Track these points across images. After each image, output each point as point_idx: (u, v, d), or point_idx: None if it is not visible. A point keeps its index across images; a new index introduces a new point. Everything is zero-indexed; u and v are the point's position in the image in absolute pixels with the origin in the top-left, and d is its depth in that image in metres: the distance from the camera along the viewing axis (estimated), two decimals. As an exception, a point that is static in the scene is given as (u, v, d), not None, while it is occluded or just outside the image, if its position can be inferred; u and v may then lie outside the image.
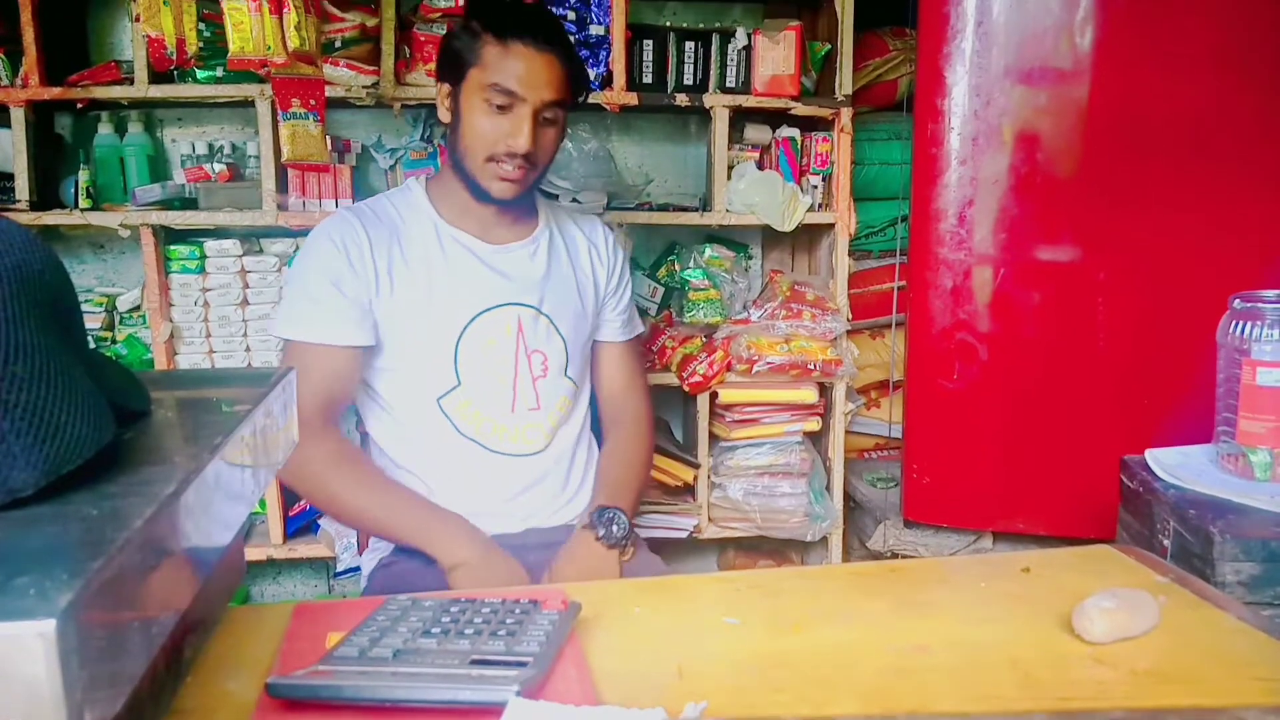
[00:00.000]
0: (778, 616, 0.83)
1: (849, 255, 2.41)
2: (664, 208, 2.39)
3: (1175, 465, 1.39)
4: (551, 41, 1.39)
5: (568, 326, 1.55)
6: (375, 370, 1.47)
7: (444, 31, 1.61)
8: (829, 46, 2.38)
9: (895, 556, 2.21)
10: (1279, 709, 0.40)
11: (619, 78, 2.28)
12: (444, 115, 1.47)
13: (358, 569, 2.20)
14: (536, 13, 1.45)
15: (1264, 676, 0.72)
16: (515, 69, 1.37)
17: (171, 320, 2.23)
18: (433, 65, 2.23)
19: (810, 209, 2.35)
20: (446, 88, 1.45)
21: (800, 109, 2.33)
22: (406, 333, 1.44)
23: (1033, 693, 0.69)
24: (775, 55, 2.28)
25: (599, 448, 1.63)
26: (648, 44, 2.32)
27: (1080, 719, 0.36)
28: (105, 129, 2.30)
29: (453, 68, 1.43)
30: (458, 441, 1.45)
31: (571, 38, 2.27)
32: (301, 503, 2.37)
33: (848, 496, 2.47)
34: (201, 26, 1.97)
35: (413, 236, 1.47)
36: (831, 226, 2.39)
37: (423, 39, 2.24)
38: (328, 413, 1.40)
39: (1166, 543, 1.29)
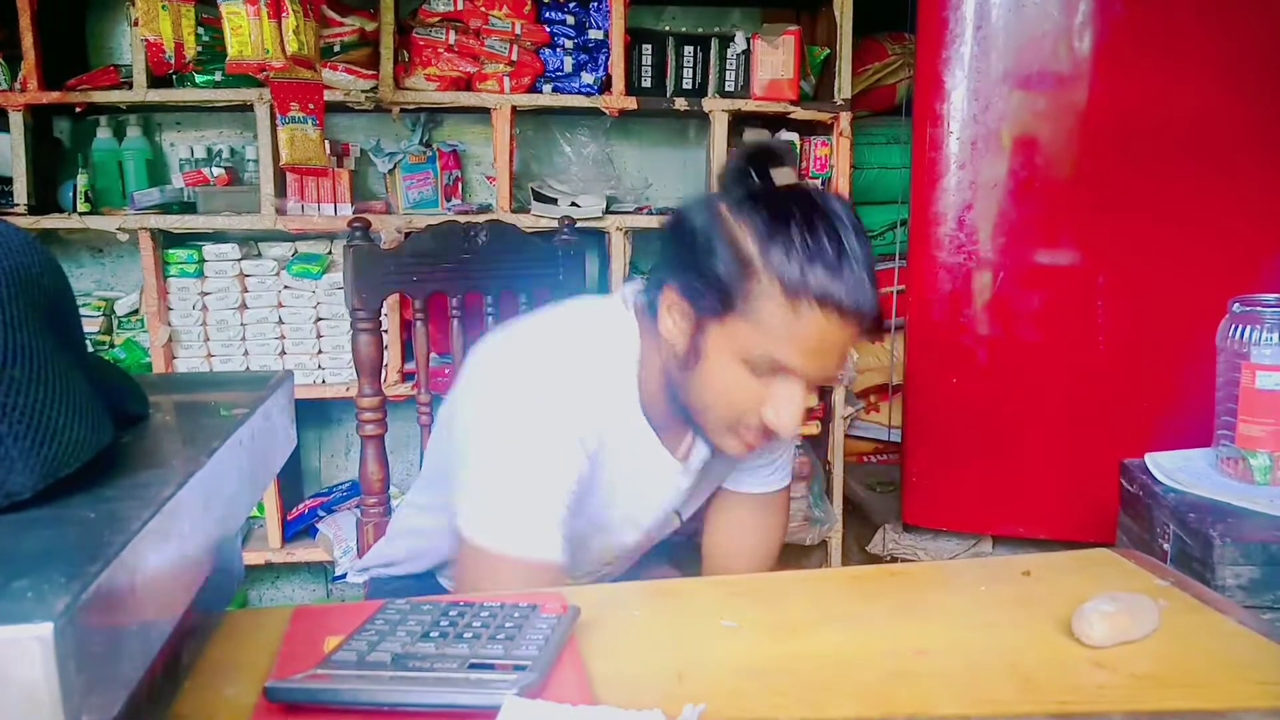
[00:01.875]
0: (777, 620, 0.83)
1: (848, 259, 2.40)
2: (663, 212, 2.39)
3: (1175, 469, 1.39)
4: (862, 299, 0.96)
5: (690, 513, 1.27)
6: None
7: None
8: (828, 51, 2.39)
9: (894, 560, 2.20)
10: (1279, 712, 0.40)
11: (618, 82, 2.28)
12: (669, 333, 1.04)
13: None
14: (850, 245, 0.97)
15: (1264, 680, 0.72)
16: (803, 342, 0.96)
17: (170, 324, 2.23)
18: (433, 69, 2.24)
19: (809, 213, 2.35)
20: (682, 304, 1.02)
21: (799, 113, 2.33)
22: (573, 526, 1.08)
23: (1032, 696, 0.69)
24: (774, 60, 2.29)
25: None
26: (647, 48, 2.33)
27: (1081, 723, 0.36)
28: (104, 133, 2.30)
29: (703, 294, 0.99)
30: None
31: (570, 42, 2.29)
32: (300, 506, 2.37)
33: (847, 500, 2.47)
34: (200, 31, 1.97)
35: (618, 446, 1.10)
36: (830, 230, 2.39)
37: (422, 43, 2.25)
38: None
39: (1166, 546, 1.29)
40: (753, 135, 2.41)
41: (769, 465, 1.29)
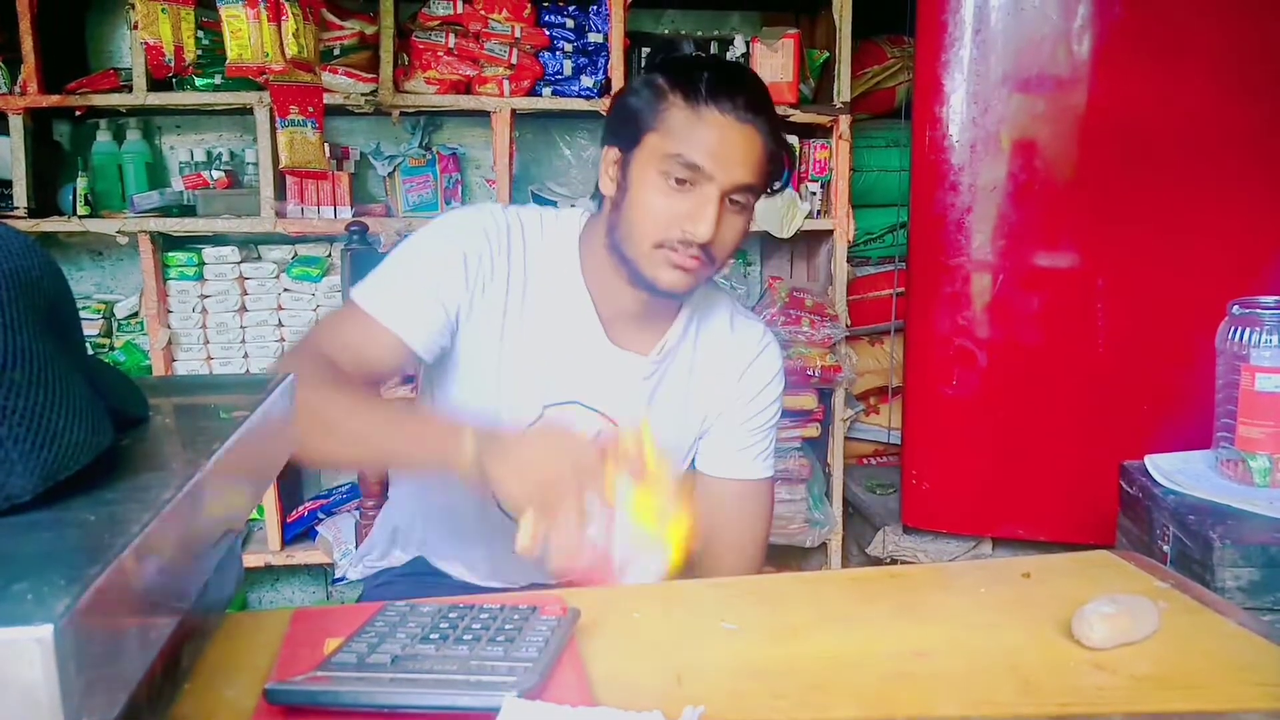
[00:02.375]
0: (777, 622, 0.83)
1: (847, 262, 2.41)
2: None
3: (1174, 471, 1.39)
4: (755, 110, 1.11)
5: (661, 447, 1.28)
6: (433, 395, 1.26)
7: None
8: (827, 54, 2.39)
9: (894, 562, 2.20)
10: (1279, 714, 0.40)
11: (617, 84, 2.29)
12: (606, 186, 1.18)
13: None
14: (739, 73, 1.17)
15: (1264, 681, 0.72)
16: (706, 139, 1.09)
17: (169, 327, 2.23)
18: (432, 73, 2.25)
19: (809, 216, 2.36)
20: (614, 153, 1.17)
21: (798, 116, 2.33)
22: (477, 379, 1.20)
23: (1032, 698, 0.69)
24: (773, 62, 2.29)
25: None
26: (646, 51, 2.33)
27: (1080, 724, 0.36)
28: (104, 136, 2.31)
29: (625, 130, 1.15)
30: (489, 504, 1.19)
31: (570, 45, 2.29)
32: (299, 509, 2.37)
33: (847, 502, 2.47)
34: (200, 34, 1.98)
35: (541, 283, 1.20)
36: (830, 233, 2.39)
37: (421, 46, 2.25)
38: (350, 373, 1.12)
39: (1166, 548, 1.29)
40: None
41: (752, 447, 1.29)
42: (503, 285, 1.18)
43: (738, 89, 1.11)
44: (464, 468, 0.99)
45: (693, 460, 1.31)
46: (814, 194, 2.40)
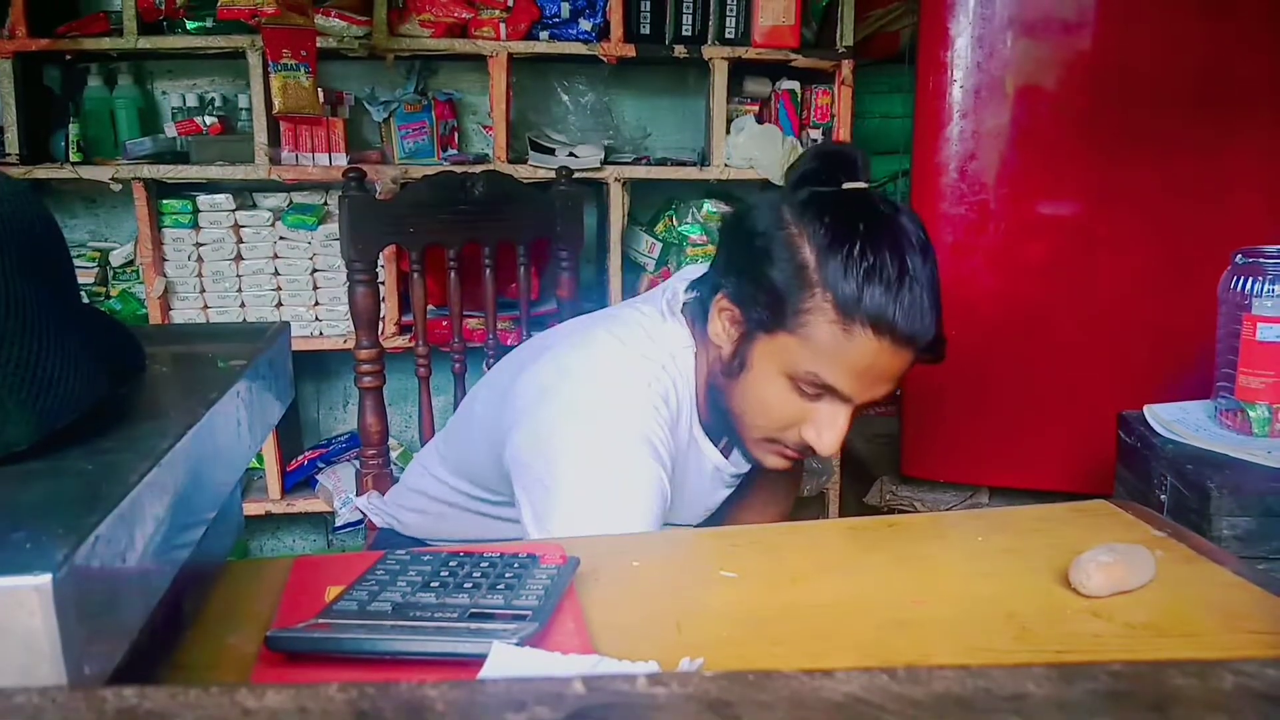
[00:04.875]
0: (775, 571, 0.83)
1: (848, 210, 2.39)
2: (662, 162, 2.37)
3: (1173, 420, 1.39)
4: (918, 328, 0.93)
5: None
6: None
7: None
8: (830, -3, 2.35)
9: (892, 512, 2.22)
10: (1275, 663, 0.40)
11: (616, 29, 2.25)
12: (718, 337, 1.03)
13: (357, 523, 2.21)
14: (913, 268, 0.94)
15: (1260, 630, 0.73)
16: (853, 367, 0.94)
17: (165, 275, 2.22)
18: (427, 15, 2.21)
19: (809, 163, 2.33)
20: (733, 313, 1.01)
21: (800, 61, 2.30)
22: None
23: (1029, 645, 0.70)
24: (775, 6, 2.25)
25: None
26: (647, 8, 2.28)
27: (1077, 671, 0.36)
28: (94, 81, 2.27)
29: (756, 303, 0.97)
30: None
31: (568, -13, 2.24)
32: (299, 457, 2.37)
33: (844, 452, 2.48)
34: (191, -25, 1.94)
35: (682, 454, 1.09)
36: (830, 181, 2.37)
37: (416, -11, 2.21)
38: None
39: (1163, 497, 1.30)
40: (753, 84, 2.38)
41: None
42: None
43: (903, 298, 0.91)
44: None
45: None
46: (816, 140, 2.37)
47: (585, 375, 1.04)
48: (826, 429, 0.98)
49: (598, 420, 1.00)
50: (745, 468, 1.16)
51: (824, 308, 0.92)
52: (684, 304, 1.10)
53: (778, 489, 1.32)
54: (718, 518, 1.30)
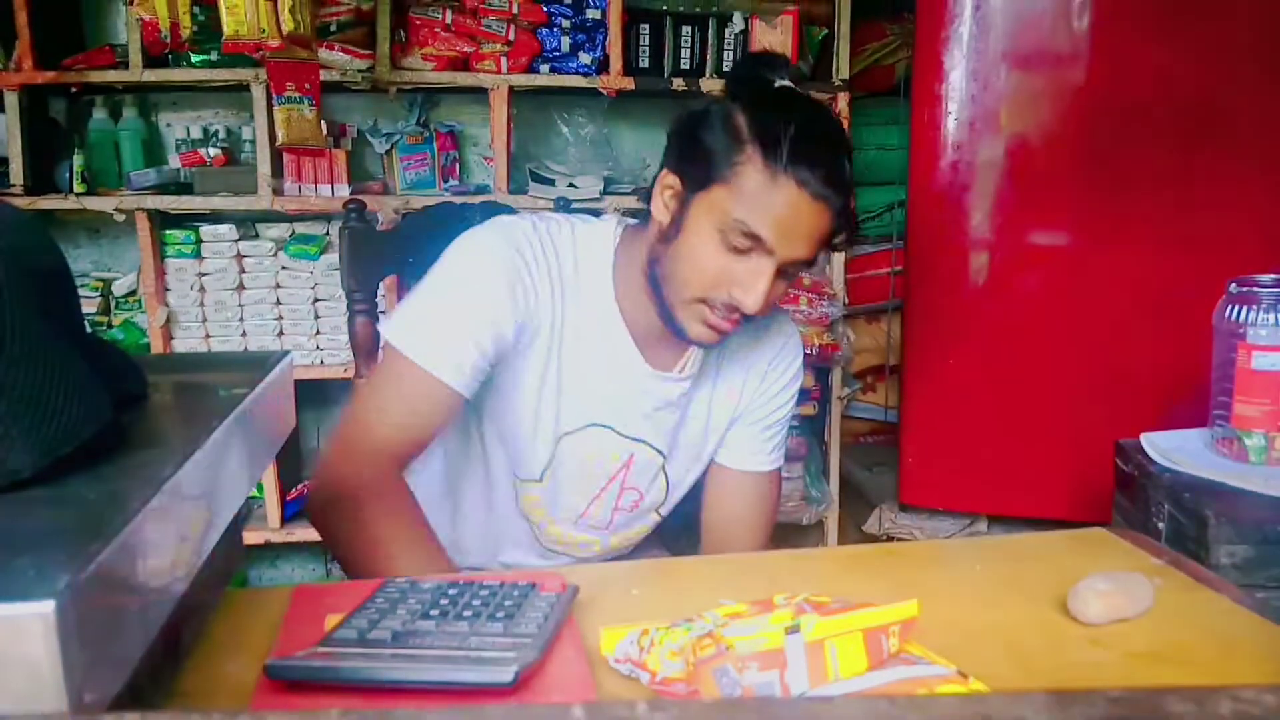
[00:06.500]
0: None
1: (846, 240, 2.40)
2: (661, 192, 2.38)
3: (1170, 449, 1.39)
4: (834, 185, 1.03)
5: (680, 471, 1.27)
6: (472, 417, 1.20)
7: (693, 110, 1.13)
8: (826, 31, 2.38)
9: (891, 540, 2.21)
10: (1273, 689, 0.40)
11: (615, 62, 2.27)
12: (658, 211, 1.11)
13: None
14: (825, 132, 1.07)
15: (1258, 657, 0.73)
16: (776, 211, 1.02)
17: (168, 305, 2.23)
18: (430, 49, 2.23)
19: (807, 193, 2.34)
20: (675, 182, 1.09)
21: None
22: (515, 401, 1.16)
23: (1028, 673, 0.70)
24: (772, 39, 2.28)
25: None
26: (644, 28, 2.31)
27: (1075, 698, 0.36)
28: (99, 113, 2.29)
29: (692, 165, 1.07)
30: (510, 508, 1.24)
31: (567, 21, 2.28)
32: (299, 487, 2.37)
33: (843, 480, 2.47)
34: (195, 10, 1.97)
35: (576, 304, 1.15)
36: (828, 211, 2.39)
37: (419, 22, 2.24)
38: (402, 455, 1.10)
39: (1161, 526, 1.30)
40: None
41: (766, 441, 1.29)
42: (547, 310, 1.13)
43: (821, 157, 1.02)
44: None
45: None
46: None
47: (468, 231, 1.17)
48: (751, 285, 1.05)
49: (451, 253, 1.13)
50: (675, 383, 1.20)
51: (753, 158, 1.03)
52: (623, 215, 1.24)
53: (759, 496, 1.31)
54: (699, 546, 1.31)
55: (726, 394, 1.25)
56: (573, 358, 1.16)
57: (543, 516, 1.24)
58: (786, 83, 1.11)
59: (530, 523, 1.25)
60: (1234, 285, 1.37)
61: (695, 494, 1.32)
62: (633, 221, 1.19)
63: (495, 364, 1.11)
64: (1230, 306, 1.35)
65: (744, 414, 1.27)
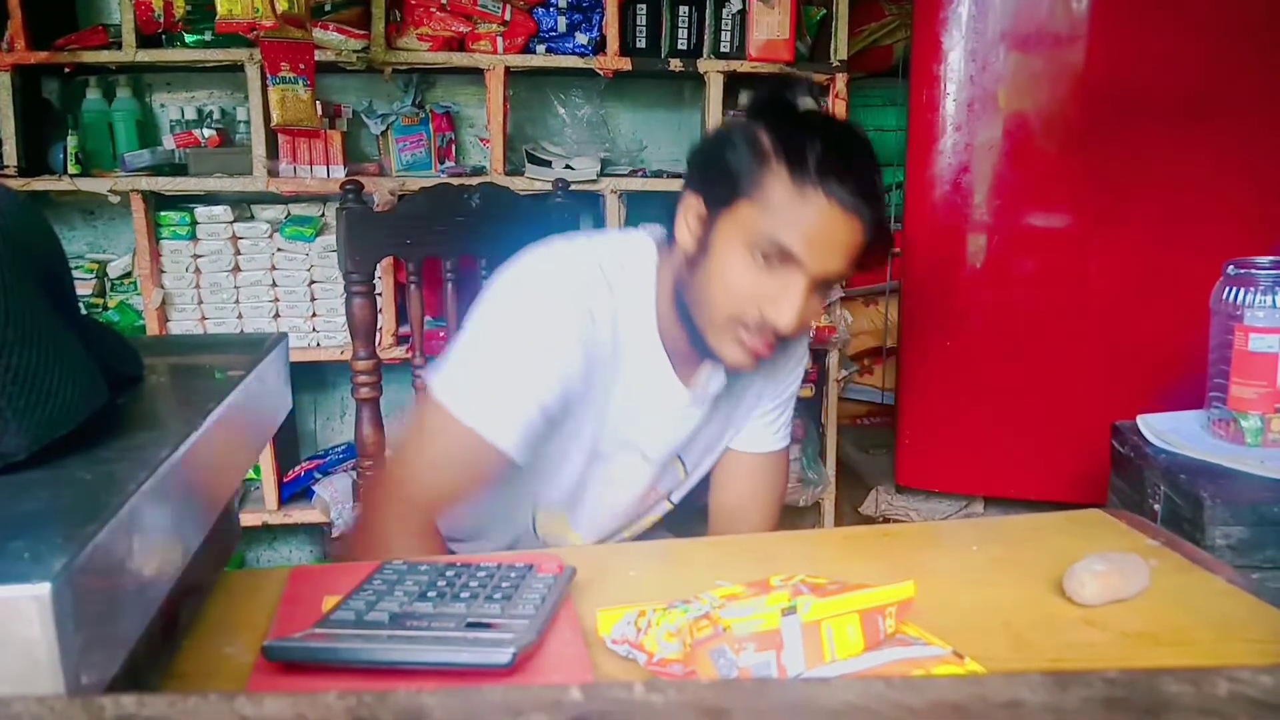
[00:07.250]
0: (771, 580, 0.83)
1: (843, 222, 2.40)
2: (657, 174, 2.37)
3: (1166, 430, 1.40)
4: (864, 197, 0.99)
5: (696, 464, 1.27)
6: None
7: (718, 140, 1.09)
8: (824, 11, 2.36)
9: (887, 521, 2.22)
10: (1269, 670, 0.40)
11: (612, 42, 2.26)
12: (683, 237, 1.07)
13: (353, 535, 2.21)
14: (852, 145, 1.04)
15: (1254, 638, 0.73)
16: (806, 225, 0.99)
17: (163, 286, 2.22)
18: (425, 29, 2.22)
19: (805, 175, 2.34)
20: (698, 204, 1.06)
21: (795, 74, 2.31)
22: (555, 437, 1.11)
23: (1024, 654, 0.70)
24: (770, 20, 2.26)
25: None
26: (641, 8, 2.29)
27: (1072, 679, 0.36)
28: (93, 94, 2.27)
29: (716, 185, 1.04)
30: (526, 527, 1.22)
31: (564, 1, 2.26)
32: (296, 468, 2.37)
33: (840, 462, 2.48)
34: (189, -11, 1.95)
35: (628, 339, 1.11)
36: (826, 193, 2.38)
37: (414, 2, 2.22)
38: (444, 508, 1.08)
39: (1157, 507, 1.30)
40: (748, 97, 2.39)
41: (773, 421, 1.29)
42: (606, 349, 1.09)
43: (849, 170, 0.99)
44: None
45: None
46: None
47: (517, 270, 1.10)
48: (784, 301, 1.01)
49: (510, 301, 1.08)
50: (704, 398, 1.17)
51: (779, 172, 0.99)
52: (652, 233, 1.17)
53: (769, 477, 1.32)
54: (704, 528, 1.31)
55: (742, 391, 1.24)
56: (619, 390, 1.13)
57: (559, 535, 1.23)
58: (810, 102, 1.08)
59: (544, 533, 1.23)
60: (1231, 267, 1.37)
61: (703, 478, 1.31)
62: (660, 232, 1.15)
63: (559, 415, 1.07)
64: (1227, 288, 1.35)
65: (760, 404, 1.27)
